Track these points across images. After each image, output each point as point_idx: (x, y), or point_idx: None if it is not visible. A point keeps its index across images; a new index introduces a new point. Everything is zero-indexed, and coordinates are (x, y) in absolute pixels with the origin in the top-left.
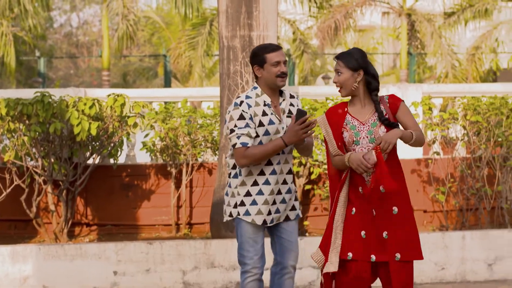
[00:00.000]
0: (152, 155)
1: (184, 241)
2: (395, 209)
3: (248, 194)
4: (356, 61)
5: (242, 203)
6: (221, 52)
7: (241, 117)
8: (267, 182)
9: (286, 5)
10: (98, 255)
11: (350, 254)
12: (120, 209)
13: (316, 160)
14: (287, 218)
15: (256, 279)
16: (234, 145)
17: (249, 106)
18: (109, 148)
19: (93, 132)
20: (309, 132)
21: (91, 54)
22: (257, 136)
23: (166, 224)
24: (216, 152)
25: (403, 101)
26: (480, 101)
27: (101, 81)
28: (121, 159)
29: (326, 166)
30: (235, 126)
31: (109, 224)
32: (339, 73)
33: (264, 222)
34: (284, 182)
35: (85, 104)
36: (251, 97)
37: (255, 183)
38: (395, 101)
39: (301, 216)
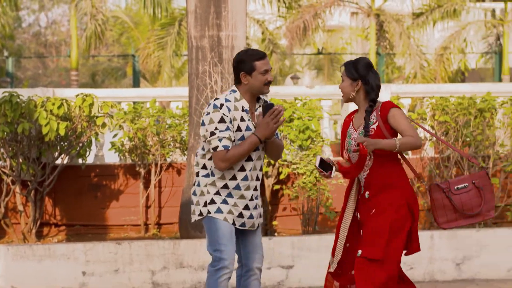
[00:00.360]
0: (121, 155)
1: (153, 241)
2: (374, 210)
3: (218, 193)
4: (356, 71)
5: (213, 201)
6: (190, 52)
7: (222, 120)
8: (237, 187)
9: (255, 5)
10: (67, 256)
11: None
12: (88, 209)
13: (285, 160)
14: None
15: (230, 276)
16: (215, 148)
17: (229, 110)
18: (78, 148)
19: (62, 132)
20: (280, 120)
21: (60, 54)
22: (233, 141)
23: (135, 224)
24: (185, 152)
25: (395, 106)
26: (448, 101)
27: (70, 81)
28: (90, 159)
29: (294, 166)
30: (216, 128)
31: (78, 224)
32: (342, 80)
33: (234, 222)
34: (255, 189)
35: (53, 104)
36: (230, 101)
37: (225, 186)
38: (386, 107)
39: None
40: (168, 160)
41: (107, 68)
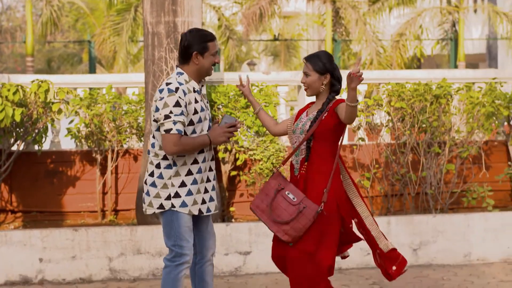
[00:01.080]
0: (77, 141)
1: (110, 228)
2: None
3: (183, 184)
4: (324, 65)
5: (177, 195)
6: (146, 38)
7: (177, 104)
8: (199, 171)
9: None
10: (23, 242)
11: None
12: (45, 195)
13: (242, 146)
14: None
15: (188, 268)
16: (168, 131)
17: (185, 93)
18: (34, 135)
19: (17, 118)
20: (234, 134)
21: (15, 40)
22: (192, 123)
23: (92, 210)
24: (142, 138)
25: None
26: (404, 87)
27: (25, 67)
28: (46, 146)
29: (251, 152)
30: (171, 112)
31: (34, 211)
32: (307, 75)
33: (200, 211)
34: (210, 169)
35: (8, 90)
36: (183, 83)
37: (189, 173)
38: (339, 101)
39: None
40: (125, 146)
41: (63, 54)
